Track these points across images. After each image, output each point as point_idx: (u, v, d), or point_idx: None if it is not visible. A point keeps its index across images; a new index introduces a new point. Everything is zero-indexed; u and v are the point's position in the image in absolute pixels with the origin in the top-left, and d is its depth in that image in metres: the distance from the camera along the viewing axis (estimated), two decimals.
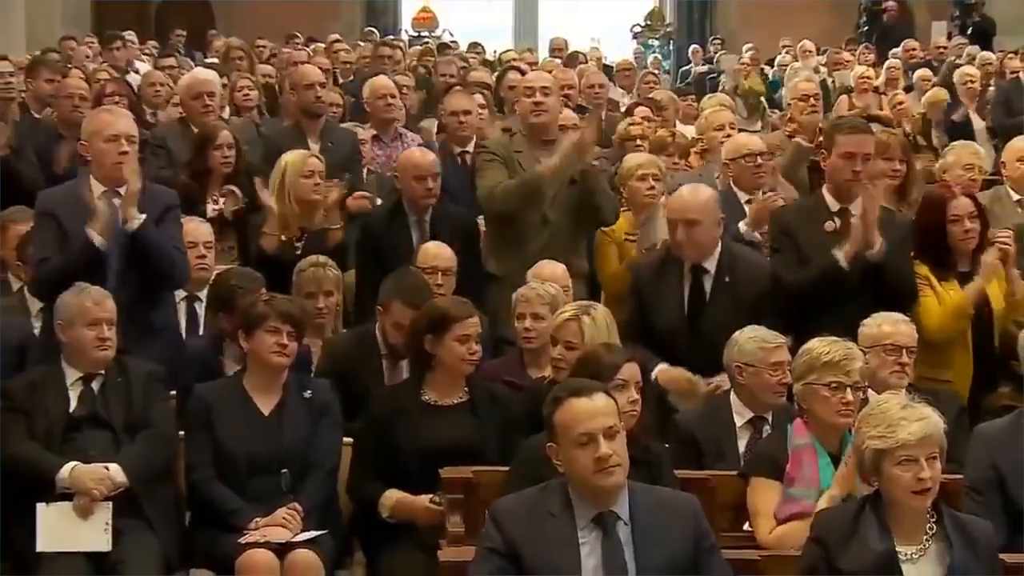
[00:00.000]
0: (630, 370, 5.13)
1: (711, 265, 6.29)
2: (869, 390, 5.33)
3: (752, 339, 5.67)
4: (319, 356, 6.47)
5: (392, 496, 5.55)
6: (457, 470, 5.34)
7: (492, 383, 5.92)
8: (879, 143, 6.93)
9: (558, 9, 26.62)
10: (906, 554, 4.33)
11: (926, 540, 4.36)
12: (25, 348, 6.31)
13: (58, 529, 5.44)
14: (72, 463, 5.49)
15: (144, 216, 6.14)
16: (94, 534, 5.44)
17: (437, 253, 6.81)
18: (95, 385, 5.70)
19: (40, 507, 5.45)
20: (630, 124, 9.12)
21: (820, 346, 5.16)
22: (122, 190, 6.17)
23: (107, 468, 5.51)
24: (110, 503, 5.47)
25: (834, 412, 5.06)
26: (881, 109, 11.67)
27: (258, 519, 5.50)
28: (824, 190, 6.51)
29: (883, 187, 6.91)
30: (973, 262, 6.54)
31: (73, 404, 5.67)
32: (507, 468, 5.18)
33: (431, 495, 5.44)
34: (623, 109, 11.05)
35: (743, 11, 24.09)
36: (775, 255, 6.50)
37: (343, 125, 9.37)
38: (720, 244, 6.35)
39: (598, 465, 4.22)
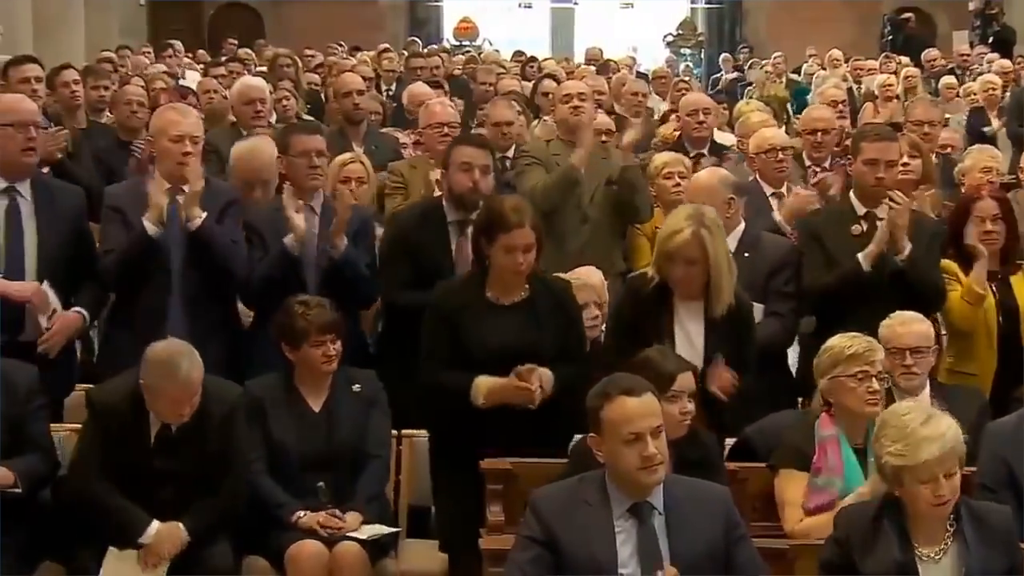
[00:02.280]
0: (684, 380, 5.08)
1: (732, 243, 6.30)
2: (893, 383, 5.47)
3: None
4: (384, 230, 6.58)
5: (484, 382, 5.42)
6: (497, 461, 5.36)
7: (551, 279, 5.81)
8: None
9: (593, 19, 26.89)
10: (927, 555, 4.39)
11: (947, 539, 4.40)
12: None
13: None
14: (155, 525, 5.41)
15: (205, 214, 6.16)
16: None
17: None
18: (175, 428, 5.50)
19: (111, 551, 5.44)
20: (664, 128, 9.37)
21: (842, 340, 5.26)
22: (185, 188, 6.17)
23: (179, 527, 5.44)
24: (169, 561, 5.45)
25: (862, 402, 5.15)
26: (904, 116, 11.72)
27: (300, 513, 5.57)
28: (851, 194, 6.56)
29: (908, 188, 6.93)
30: (1002, 262, 6.61)
31: (152, 440, 5.51)
32: (547, 460, 5.26)
33: (516, 375, 5.41)
34: (658, 116, 11.27)
35: (771, 22, 24.25)
36: (802, 258, 6.52)
37: (382, 130, 9.55)
38: (744, 224, 6.49)
39: (644, 463, 4.31)
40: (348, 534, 5.55)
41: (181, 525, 5.44)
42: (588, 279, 6.41)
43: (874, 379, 5.17)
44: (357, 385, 5.85)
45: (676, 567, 4.31)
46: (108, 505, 5.44)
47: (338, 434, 5.74)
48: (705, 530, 4.40)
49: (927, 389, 5.75)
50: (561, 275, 6.07)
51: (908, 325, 5.77)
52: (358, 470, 5.76)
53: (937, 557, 4.39)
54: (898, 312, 5.86)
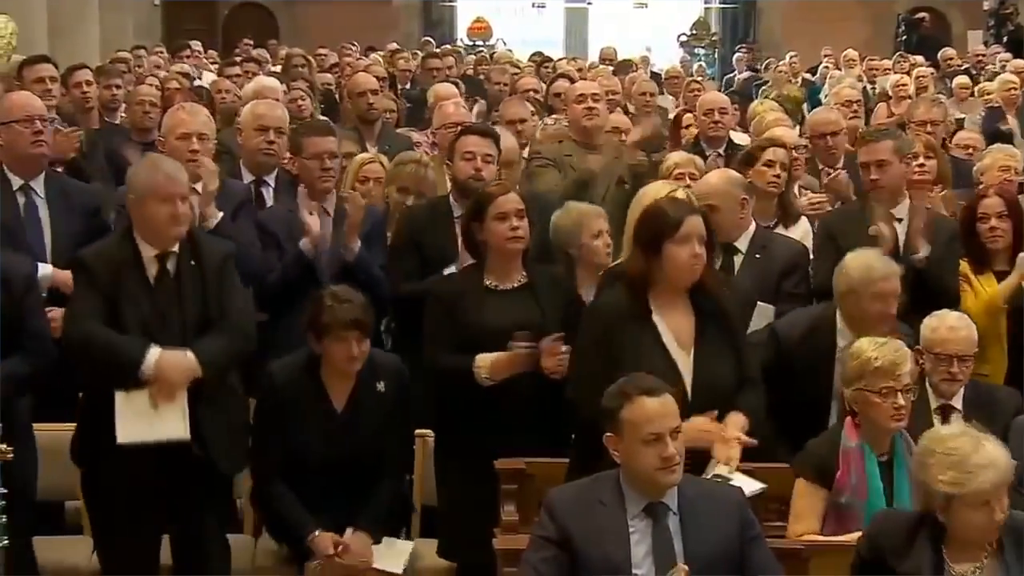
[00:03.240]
0: (692, 224, 5.03)
1: (743, 244, 6.36)
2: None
3: (858, 267, 5.68)
4: (396, 224, 6.58)
5: (486, 358, 5.48)
6: (511, 461, 5.37)
7: (549, 266, 5.94)
8: (904, 144, 7.00)
9: (607, 19, 26.85)
10: (961, 574, 4.32)
11: (984, 557, 4.33)
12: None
13: (138, 419, 5.19)
14: (156, 349, 5.19)
15: (221, 214, 6.15)
16: (173, 422, 5.22)
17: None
18: (171, 266, 5.36)
19: (119, 396, 5.20)
20: (682, 128, 9.35)
21: (869, 350, 5.17)
22: (199, 187, 6.10)
23: (185, 354, 5.26)
24: (186, 390, 5.26)
25: (887, 417, 5.09)
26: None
27: (315, 532, 5.48)
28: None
29: (925, 191, 6.97)
30: (1011, 262, 6.55)
31: (152, 281, 5.36)
32: (562, 460, 5.24)
33: (512, 343, 5.44)
34: (671, 116, 11.18)
35: (786, 21, 24.26)
36: (815, 259, 6.55)
37: (398, 131, 9.56)
38: (754, 225, 6.45)
39: (664, 463, 4.33)
40: (377, 567, 5.51)
41: (188, 352, 5.25)
42: None
43: (900, 394, 5.11)
44: (381, 384, 5.69)
45: (690, 566, 4.30)
46: (103, 341, 5.21)
47: (360, 439, 5.61)
48: (719, 530, 4.40)
49: (961, 391, 5.73)
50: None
51: (957, 331, 5.72)
52: (377, 477, 5.68)
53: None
54: (944, 313, 5.83)
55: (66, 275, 6.05)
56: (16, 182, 6.29)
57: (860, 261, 5.74)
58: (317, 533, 5.51)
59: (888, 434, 5.15)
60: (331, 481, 5.59)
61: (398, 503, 5.79)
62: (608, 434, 4.44)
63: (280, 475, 5.61)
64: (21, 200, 6.27)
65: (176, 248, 5.36)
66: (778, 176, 6.97)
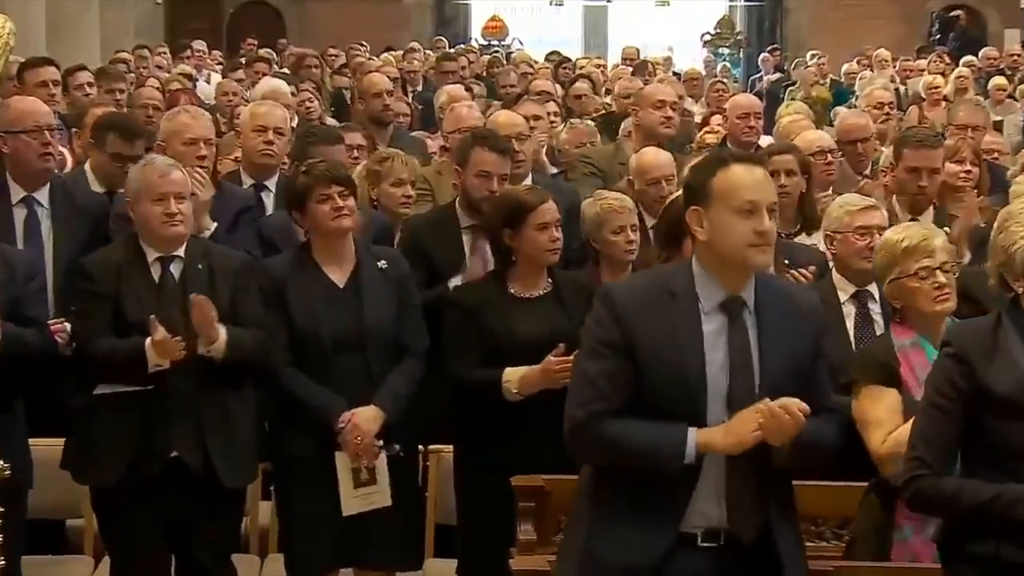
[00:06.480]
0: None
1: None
2: None
3: (839, 205, 5.66)
4: (399, 235, 6.37)
5: (515, 372, 5.31)
6: (529, 478, 5.17)
7: (572, 272, 5.87)
8: (948, 148, 6.89)
9: (628, 18, 26.72)
10: None
11: None
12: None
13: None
14: (148, 340, 5.09)
15: (216, 225, 6.00)
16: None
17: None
18: (174, 269, 5.30)
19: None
20: (707, 132, 9.24)
21: (895, 234, 4.92)
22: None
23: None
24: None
25: (930, 300, 4.75)
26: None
27: (347, 415, 5.30)
28: (894, 200, 6.47)
29: (970, 197, 6.74)
30: None
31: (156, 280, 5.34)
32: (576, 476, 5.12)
33: (550, 357, 5.25)
34: (698, 118, 11.10)
35: (813, 20, 24.29)
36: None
37: (413, 134, 9.41)
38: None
39: (758, 239, 3.85)
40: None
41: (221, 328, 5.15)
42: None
43: (939, 272, 4.75)
44: (383, 262, 5.53)
45: (764, 373, 3.87)
46: (105, 351, 5.18)
47: (368, 310, 5.41)
48: (796, 334, 3.96)
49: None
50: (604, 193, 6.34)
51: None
52: (392, 357, 5.47)
53: None
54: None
55: None
56: (18, 194, 6.14)
57: (838, 201, 5.75)
58: (354, 412, 5.31)
59: (939, 320, 4.75)
60: (349, 364, 5.39)
61: (416, 384, 5.51)
62: (692, 207, 3.93)
63: (290, 360, 5.40)
64: (22, 213, 6.13)
65: (182, 252, 5.30)
66: (784, 185, 6.59)
